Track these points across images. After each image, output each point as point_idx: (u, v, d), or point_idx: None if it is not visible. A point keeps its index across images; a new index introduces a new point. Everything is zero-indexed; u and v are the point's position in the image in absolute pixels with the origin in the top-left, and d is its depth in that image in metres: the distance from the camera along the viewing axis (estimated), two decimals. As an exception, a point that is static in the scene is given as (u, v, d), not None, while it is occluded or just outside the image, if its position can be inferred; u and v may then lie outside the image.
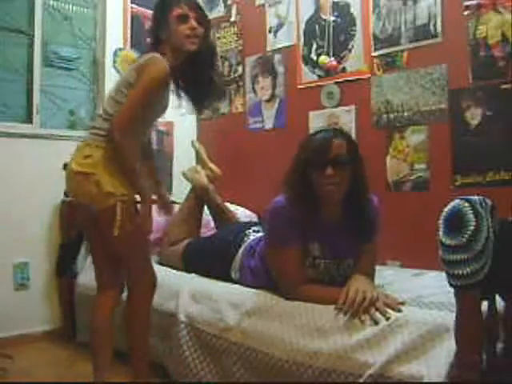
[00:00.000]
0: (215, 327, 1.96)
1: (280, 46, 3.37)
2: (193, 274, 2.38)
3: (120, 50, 3.46)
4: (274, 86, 3.41)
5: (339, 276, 1.90)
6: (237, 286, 2.10)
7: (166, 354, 2.16)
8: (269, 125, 3.44)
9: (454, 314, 1.40)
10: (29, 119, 3.13)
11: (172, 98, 2.05)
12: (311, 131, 3.13)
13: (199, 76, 2.00)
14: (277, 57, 3.38)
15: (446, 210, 1.38)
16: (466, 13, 2.53)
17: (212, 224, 2.96)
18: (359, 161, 1.89)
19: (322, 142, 1.83)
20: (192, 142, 3.16)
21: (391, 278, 2.25)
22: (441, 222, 1.38)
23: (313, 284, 1.86)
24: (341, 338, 1.62)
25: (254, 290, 2.00)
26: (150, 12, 3.56)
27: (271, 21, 3.41)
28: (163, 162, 3.54)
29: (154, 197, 2.04)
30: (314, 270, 1.89)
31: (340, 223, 1.90)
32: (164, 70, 1.82)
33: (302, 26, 3.23)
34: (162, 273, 2.21)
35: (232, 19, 3.67)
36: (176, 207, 2.54)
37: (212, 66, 2.04)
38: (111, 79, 3.40)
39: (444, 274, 1.38)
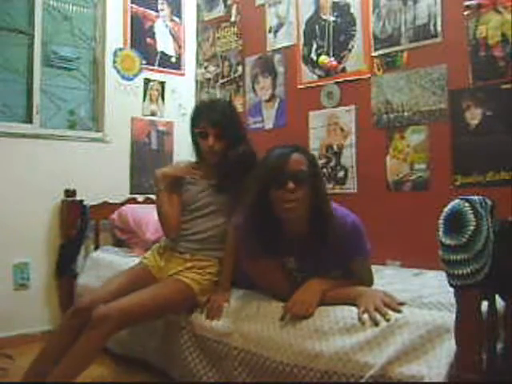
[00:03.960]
0: (216, 332, 1.96)
1: (280, 45, 3.37)
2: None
3: (120, 49, 3.47)
4: (274, 86, 3.41)
5: None
6: (235, 290, 2.10)
7: (168, 360, 2.16)
8: (269, 125, 3.44)
9: (453, 314, 1.40)
10: (29, 119, 3.14)
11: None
12: (312, 131, 3.14)
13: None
14: (277, 57, 3.38)
15: (446, 210, 1.38)
16: (465, 13, 2.53)
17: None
18: (320, 178, 1.85)
19: (281, 157, 1.76)
20: None
21: (391, 278, 2.25)
22: (441, 221, 1.38)
23: None
24: (341, 340, 1.62)
25: (252, 295, 2.00)
26: (149, 12, 3.62)
27: (271, 21, 3.41)
28: (163, 161, 3.54)
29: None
30: (292, 282, 1.87)
31: (310, 238, 1.84)
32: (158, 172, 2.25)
33: (302, 26, 3.23)
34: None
35: (232, 19, 3.67)
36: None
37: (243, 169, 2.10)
38: (111, 79, 3.42)
39: (444, 274, 1.38)
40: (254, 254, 1.86)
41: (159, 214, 2.22)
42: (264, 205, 1.78)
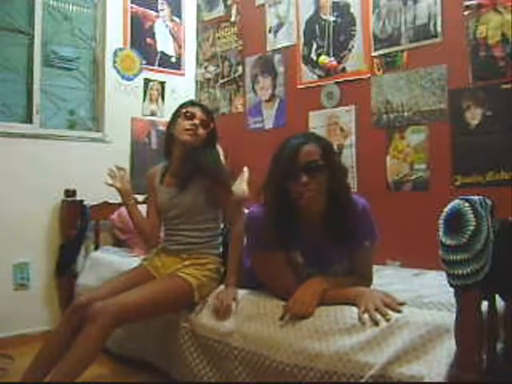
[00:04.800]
0: (216, 332, 1.96)
1: (280, 45, 3.37)
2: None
3: (120, 50, 3.47)
4: (274, 86, 3.41)
5: None
6: (236, 290, 2.09)
7: (168, 360, 2.16)
8: (269, 125, 3.44)
9: (453, 314, 1.40)
10: (29, 119, 3.14)
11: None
12: (310, 131, 3.14)
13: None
14: (277, 57, 3.38)
15: (446, 210, 1.38)
16: (466, 13, 2.53)
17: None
18: (337, 166, 1.83)
19: (292, 150, 1.76)
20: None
21: (391, 278, 2.25)
22: (441, 222, 1.37)
23: None
24: (341, 340, 1.62)
25: (253, 294, 2.00)
26: (149, 12, 3.62)
27: (271, 21, 3.41)
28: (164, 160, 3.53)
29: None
30: (297, 278, 1.86)
31: (323, 232, 1.84)
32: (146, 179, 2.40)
33: (302, 26, 3.23)
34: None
35: (232, 19, 3.67)
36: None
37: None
38: (111, 79, 3.42)
39: (444, 274, 1.38)
40: (266, 246, 1.83)
41: (134, 226, 2.34)
42: (283, 197, 1.78)
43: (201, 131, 2.18)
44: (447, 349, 1.42)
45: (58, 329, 2.05)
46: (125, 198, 2.30)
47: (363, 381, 1.52)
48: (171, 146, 2.26)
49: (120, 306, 1.87)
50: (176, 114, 2.24)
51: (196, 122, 2.17)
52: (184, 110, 2.20)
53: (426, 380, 1.41)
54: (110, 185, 2.29)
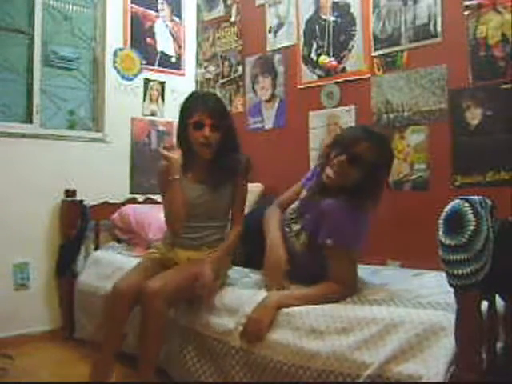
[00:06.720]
0: (214, 331, 1.96)
1: (280, 45, 3.37)
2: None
3: (120, 50, 3.47)
4: (274, 86, 3.41)
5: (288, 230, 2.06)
6: (235, 289, 2.10)
7: (166, 358, 2.16)
8: (269, 125, 3.44)
9: (449, 314, 1.40)
10: (29, 119, 3.14)
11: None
12: (312, 131, 3.14)
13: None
14: (277, 57, 3.38)
15: (446, 210, 1.38)
16: (466, 13, 2.53)
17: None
18: (373, 184, 1.88)
19: (357, 136, 1.89)
20: None
21: (391, 278, 2.24)
22: (441, 221, 1.38)
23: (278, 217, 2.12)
24: (338, 339, 1.63)
25: (252, 294, 2.00)
26: (149, 12, 3.62)
27: (271, 21, 3.41)
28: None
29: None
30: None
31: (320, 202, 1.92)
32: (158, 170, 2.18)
33: (302, 26, 3.23)
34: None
35: (232, 19, 3.67)
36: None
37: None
38: (111, 79, 3.42)
39: (444, 274, 1.38)
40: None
41: (172, 205, 2.09)
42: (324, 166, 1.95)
43: (212, 139, 2.08)
44: (444, 347, 1.43)
45: (110, 320, 2.04)
46: (175, 170, 2.06)
47: (361, 380, 1.52)
48: (189, 147, 2.14)
49: (168, 286, 1.95)
50: (185, 122, 2.12)
51: (206, 133, 2.05)
52: (192, 121, 2.08)
53: (425, 379, 1.41)
54: (166, 155, 2.07)
